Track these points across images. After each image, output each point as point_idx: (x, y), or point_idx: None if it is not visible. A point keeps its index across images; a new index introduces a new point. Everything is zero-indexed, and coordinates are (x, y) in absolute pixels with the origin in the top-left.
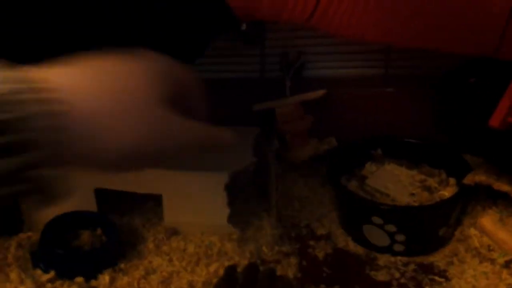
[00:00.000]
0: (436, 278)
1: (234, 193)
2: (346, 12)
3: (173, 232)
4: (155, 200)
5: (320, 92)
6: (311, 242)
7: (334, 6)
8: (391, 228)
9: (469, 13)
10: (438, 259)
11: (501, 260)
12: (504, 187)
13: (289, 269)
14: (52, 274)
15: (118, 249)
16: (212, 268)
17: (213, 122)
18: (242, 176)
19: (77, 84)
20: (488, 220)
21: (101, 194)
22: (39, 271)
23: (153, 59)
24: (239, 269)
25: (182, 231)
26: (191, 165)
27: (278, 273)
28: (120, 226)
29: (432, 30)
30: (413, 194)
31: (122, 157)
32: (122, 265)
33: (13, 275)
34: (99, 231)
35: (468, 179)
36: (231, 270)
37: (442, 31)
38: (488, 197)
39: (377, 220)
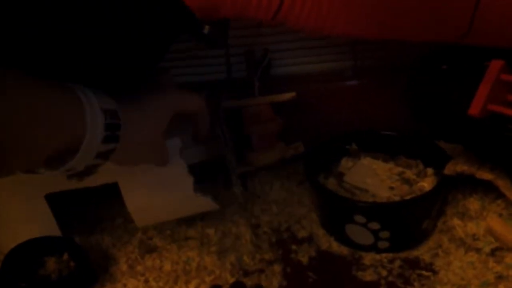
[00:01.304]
0: (423, 272)
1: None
2: (314, 6)
3: (148, 249)
4: (125, 217)
5: (290, 95)
6: (294, 247)
7: (299, 3)
8: (375, 225)
9: (437, 2)
10: (422, 252)
11: (487, 249)
12: (486, 175)
13: (273, 278)
14: None
15: (89, 274)
16: (192, 286)
17: None
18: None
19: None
20: (497, 222)
21: (62, 215)
22: None
23: (172, 99)
24: None
25: (149, 221)
26: None
27: (263, 284)
28: (88, 248)
29: (400, 20)
30: (392, 188)
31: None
32: None
33: None
34: (65, 256)
35: (449, 169)
36: None
37: (411, 20)
38: (468, 185)
39: (360, 218)
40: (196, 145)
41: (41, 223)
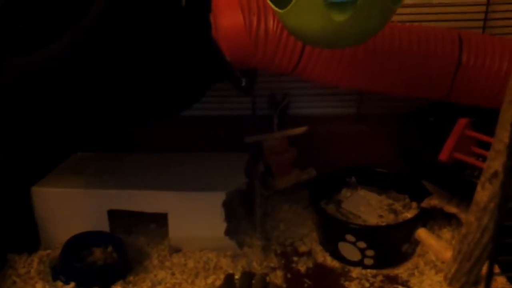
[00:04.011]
0: (400, 287)
1: (230, 210)
2: (324, 66)
3: (175, 249)
4: (158, 222)
5: (303, 129)
6: (295, 258)
7: (313, 62)
8: (362, 244)
9: (423, 66)
10: (401, 271)
11: None
12: (452, 209)
13: (276, 280)
14: (72, 285)
15: (127, 265)
16: (210, 280)
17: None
18: (236, 194)
19: None
20: (423, 231)
21: (111, 216)
22: (59, 283)
23: None
24: (236, 276)
25: (183, 248)
26: (193, 186)
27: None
28: (126, 245)
29: (393, 80)
30: (381, 216)
31: None
32: (131, 278)
33: (39, 286)
34: (110, 248)
35: (425, 203)
36: (229, 277)
37: (401, 81)
38: (444, 218)
39: (350, 238)
40: None
41: (97, 220)
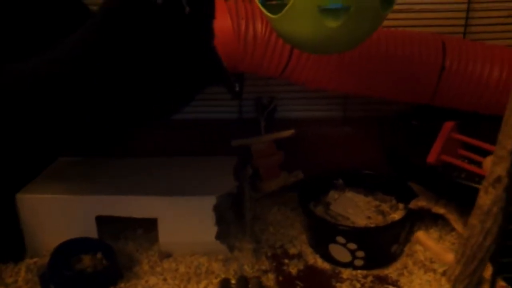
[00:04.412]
0: (390, 287)
1: (220, 214)
2: (311, 70)
3: (166, 255)
4: (144, 227)
5: (289, 132)
6: (286, 260)
7: (301, 66)
8: (352, 246)
9: (408, 70)
10: (391, 271)
11: (440, 270)
12: (440, 210)
13: (268, 283)
14: None
15: (117, 271)
16: (202, 285)
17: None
18: (226, 198)
19: None
20: (422, 234)
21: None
22: None
23: None
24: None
25: (173, 252)
26: (183, 191)
27: None
28: (115, 250)
29: (379, 84)
30: (369, 217)
31: None
32: (122, 285)
33: None
34: (99, 255)
35: (413, 204)
36: (225, 282)
37: (387, 85)
38: (431, 219)
39: (340, 239)
40: None
41: (85, 227)
